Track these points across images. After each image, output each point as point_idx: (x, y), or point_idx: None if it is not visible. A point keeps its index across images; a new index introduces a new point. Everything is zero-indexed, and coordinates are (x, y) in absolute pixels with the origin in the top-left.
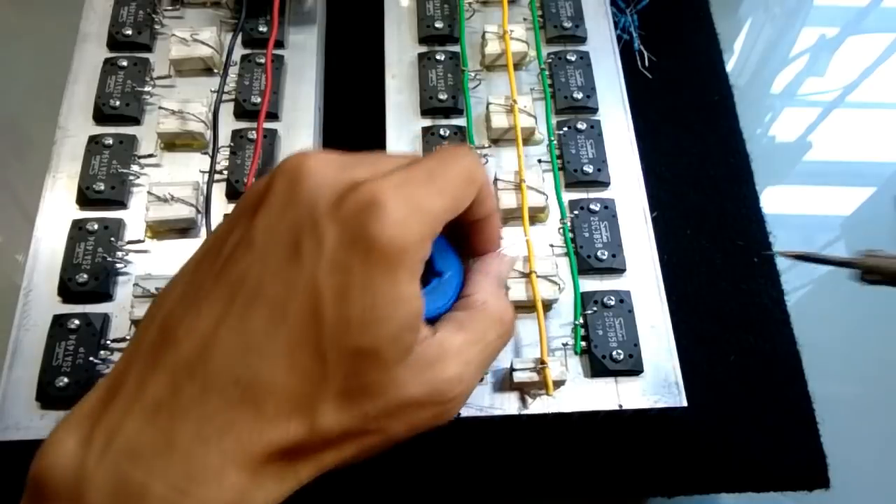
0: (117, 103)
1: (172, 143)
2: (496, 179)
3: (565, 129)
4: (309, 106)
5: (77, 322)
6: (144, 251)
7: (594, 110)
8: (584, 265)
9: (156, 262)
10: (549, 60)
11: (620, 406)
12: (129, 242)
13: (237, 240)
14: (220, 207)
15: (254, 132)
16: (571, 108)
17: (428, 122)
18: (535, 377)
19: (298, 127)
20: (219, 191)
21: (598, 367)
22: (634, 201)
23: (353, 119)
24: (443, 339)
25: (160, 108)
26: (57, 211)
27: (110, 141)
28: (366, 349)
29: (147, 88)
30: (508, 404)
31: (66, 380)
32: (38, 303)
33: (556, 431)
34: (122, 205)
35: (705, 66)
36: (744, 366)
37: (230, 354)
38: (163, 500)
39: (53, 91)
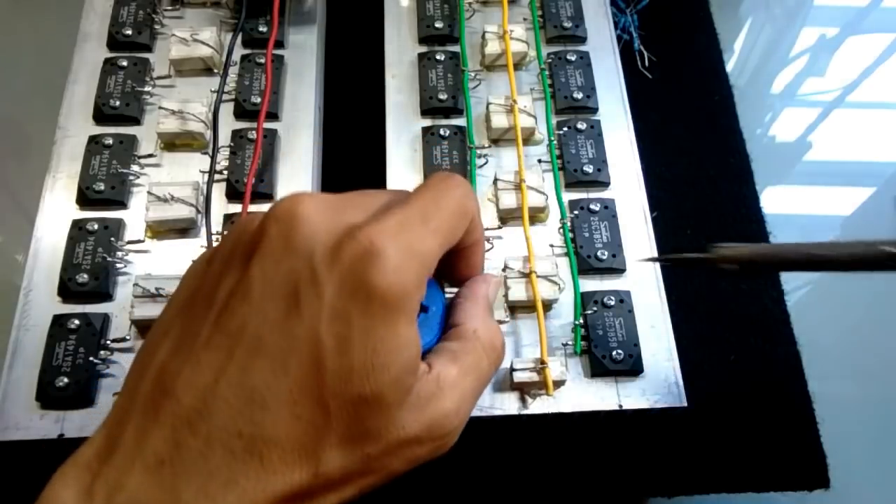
0: (117, 103)
1: (172, 143)
2: (496, 179)
3: (565, 129)
4: (309, 106)
5: (77, 322)
6: (144, 251)
7: (594, 110)
8: (584, 265)
9: (156, 262)
10: (549, 60)
11: (620, 406)
12: (129, 242)
13: (231, 287)
14: (220, 207)
15: (254, 132)
16: (571, 108)
17: (428, 122)
18: (535, 377)
19: (298, 127)
20: (219, 191)
21: (598, 367)
22: (634, 201)
23: (353, 119)
24: (438, 374)
25: (160, 108)
26: (57, 211)
27: (110, 141)
28: (368, 396)
29: (147, 88)
30: (508, 404)
31: (66, 380)
32: (38, 303)
33: (556, 431)
34: (122, 205)
35: (705, 66)
36: (744, 366)
37: (232, 408)
38: None
39: (53, 91)
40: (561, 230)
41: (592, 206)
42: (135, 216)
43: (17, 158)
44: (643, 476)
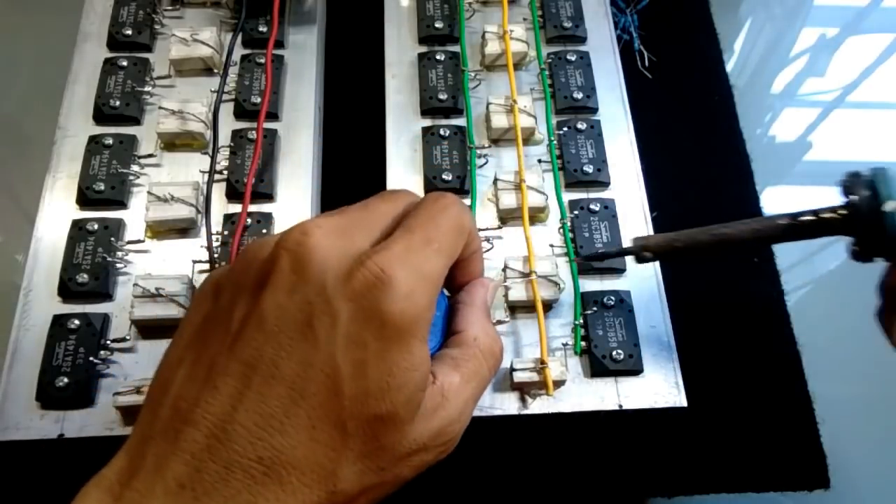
0: (117, 103)
1: (172, 143)
2: (496, 179)
3: (565, 129)
4: (309, 106)
5: (77, 322)
6: (144, 251)
7: (594, 110)
8: (585, 265)
9: (156, 262)
10: (549, 60)
11: (620, 406)
12: (129, 242)
13: (244, 316)
14: (220, 207)
15: (254, 132)
16: (571, 108)
17: (428, 122)
18: (535, 377)
19: (298, 127)
20: (219, 191)
21: (598, 367)
22: (634, 201)
23: (353, 119)
24: (443, 384)
25: (160, 108)
26: (57, 211)
27: (110, 141)
28: (383, 415)
29: (147, 88)
30: (508, 404)
31: (66, 380)
32: (38, 303)
33: (556, 431)
34: (122, 205)
35: (705, 66)
36: (744, 366)
37: (251, 434)
38: None
39: (53, 91)
40: (561, 230)
41: (592, 206)
42: (135, 216)
43: (17, 158)
44: (643, 476)
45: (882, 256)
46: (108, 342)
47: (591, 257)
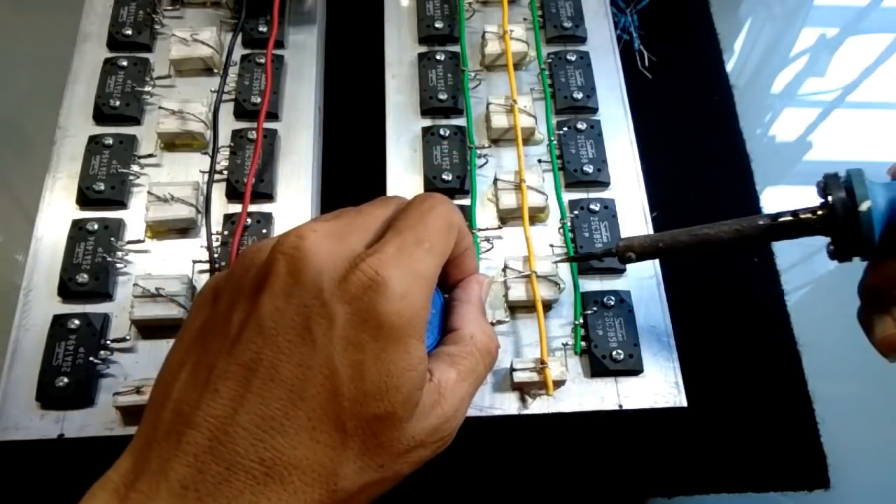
0: (117, 103)
1: (172, 143)
2: (496, 179)
3: (565, 129)
4: (309, 106)
5: (77, 322)
6: (144, 251)
7: (594, 110)
8: (585, 265)
9: (156, 262)
10: (549, 60)
11: (620, 406)
12: (129, 242)
13: (242, 320)
14: (220, 207)
15: (254, 132)
16: (571, 108)
17: (428, 122)
18: (535, 377)
19: (298, 127)
20: (219, 191)
21: (598, 367)
22: (634, 201)
23: (353, 119)
24: (439, 381)
25: (160, 108)
26: (57, 211)
27: (110, 141)
28: (382, 414)
29: (147, 88)
30: (508, 404)
31: (66, 380)
32: (38, 303)
33: (556, 431)
34: (122, 205)
35: (705, 66)
36: (744, 366)
37: (252, 436)
38: None
39: (53, 91)
40: (561, 230)
41: (592, 206)
42: (135, 216)
43: (18, 158)
44: (643, 476)
45: (859, 256)
46: (108, 342)
47: (575, 258)
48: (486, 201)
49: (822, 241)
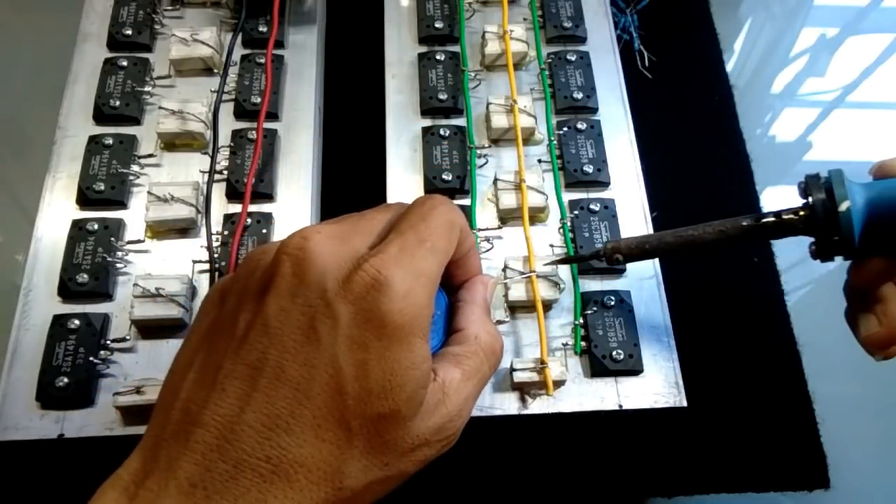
0: (117, 103)
1: (172, 143)
2: (496, 179)
3: (565, 129)
4: (309, 106)
5: (77, 322)
6: (144, 251)
7: (594, 110)
8: (585, 265)
9: (156, 262)
10: (549, 60)
11: (620, 406)
12: (129, 242)
13: (249, 321)
14: (220, 207)
15: (254, 132)
16: (571, 108)
17: (428, 122)
18: (535, 377)
19: (298, 127)
20: (219, 191)
21: (598, 367)
22: (634, 201)
23: (353, 119)
24: (444, 380)
25: (160, 108)
26: (57, 211)
27: (110, 141)
28: (386, 413)
29: (147, 88)
30: (508, 404)
31: (66, 380)
32: (38, 303)
33: (556, 431)
34: (122, 205)
35: (705, 66)
36: (744, 366)
37: (259, 434)
38: None
39: (53, 91)
40: (561, 230)
41: (592, 206)
42: (135, 216)
43: (17, 158)
44: (643, 476)
45: (840, 255)
46: (108, 342)
47: (563, 261)
48: (486, 201)
49: None
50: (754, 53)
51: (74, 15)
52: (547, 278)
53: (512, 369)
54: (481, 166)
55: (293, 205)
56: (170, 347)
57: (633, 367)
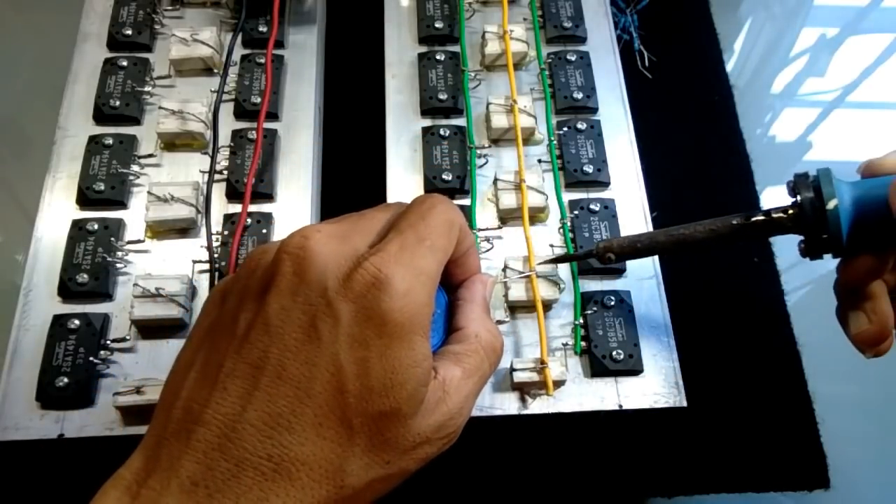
0: (117, 103)
1: (172, 143)
2: (496, 179)
3: (565, 129)
4: (309, 106)
5: (77, 322)
6: (144, 251)
7: (594, 110)
8: (584, 265)
9: (156, 262)
10: (549, 60)
11: (620, 406)
12: (129, 242)
13: (250, 320)
14: (220, 207)
15: (254, 132)
16: (571, 108)
17: (428, 122)
18: (535, 377)
19: (298, 127)
20: (219, 191)
21: (598, 367)
22: (634, 201)
23: (353, 119)
24: (444, 379)
25: (160, 108)
26: (57, 211)
27: (110, 141)
28: (388, 411)
29: (147, 88)
30: (508, 404)
31: (66, 380)
32: (38, 303)
33: (556, 431)
34: (122, 205)
35: (705, 66)
36: (744, 366)
37: (260, 433)
38: None
39: (53, 91)
40: (561, 230)
41: (592, 206)
42: (135, 216)
43: (18, 158)
44: (643, 476)
45: (828, 253)
46: (108, 342)
47: (554, 260)
48: (486, 201)
49: None
50: (754, 53)
51: (74, 15)
52: (547, 278)
53: (512, 369)
54: (481, 166)
55: (293, 205)
56: (170, 347)
57: (633, 367)
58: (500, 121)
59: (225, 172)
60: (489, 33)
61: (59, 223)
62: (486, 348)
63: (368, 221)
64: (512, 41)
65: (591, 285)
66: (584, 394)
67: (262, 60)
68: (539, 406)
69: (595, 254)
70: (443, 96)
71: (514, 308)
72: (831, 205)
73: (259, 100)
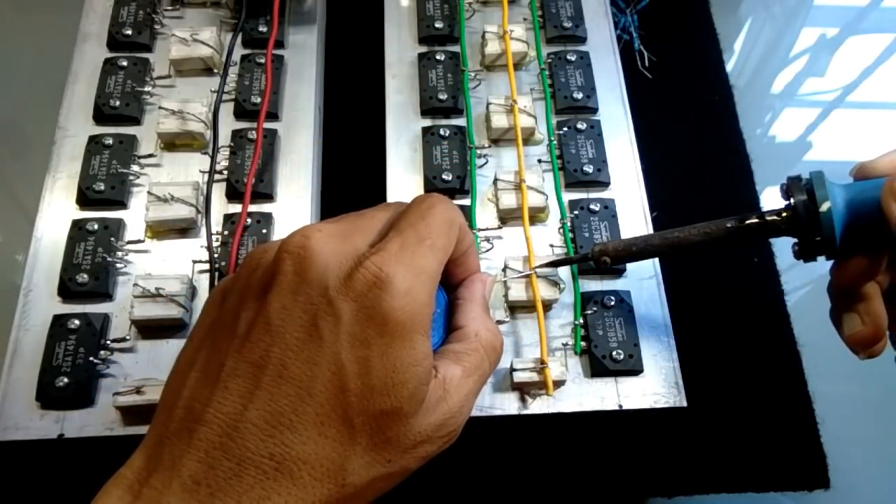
0: (117, 103)
1: (172, 143)
2: (496, 179)
3: (565, 129)
4: (309, 106)
5: (77, 322)
6: (144, 251)
7: (594, 110)
8: (584, 264)
9: (156, 262)
10: (549, 60)
11: (620, 406)
12: (129, 242)
13: (251, 319)
14: (220, 207)
15: (254, 132)
16: (571, 108)
17: (428, 122)
18: (535, 377)
19: (298, 127)
20: (219, 191)
21: (598, 367)
22: (634, 201)
23: (353, 119)
24: (444, 377)
25: (160, 108)
26: (57, 211)
27: (110, 141)
28: (389, 410)
29: (147, 88)
30: (508, 404)
31: (66, 380)
32: (38, 303)
33: (556, 431)
34: (122, 205)
35: (705, 66)
36: (744, 366)
37: (262, 432)
38: None
39: (53, 91)
40: (561, 230)
41: (592, 206)
42: (135, 216)
43: (18, 158)
44: (643, 476)
45: (822, 255)
46: (108, 342)
47: (550, 264)
48: (486, 201)
49: None
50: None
51: (74, 15)
52: (547, 278)
53: (512, 369)
54: (481, 166)
55: (293, 205)
56: (170, 347)
57: (633, 367)
58: (500, 121)
59: (225, 172)
60: (489, 33)
61: (59, 223)
62: (487, 347)
63: (369, 221)
64: (512, 41)
65: (591, 285)
66: (584, 394)
67: (262, 60)
68: (539, 406)
69: (590, 257)
70: (443, 96)
71: (514, 308)
72: (824, 207)
73: (259, 100)
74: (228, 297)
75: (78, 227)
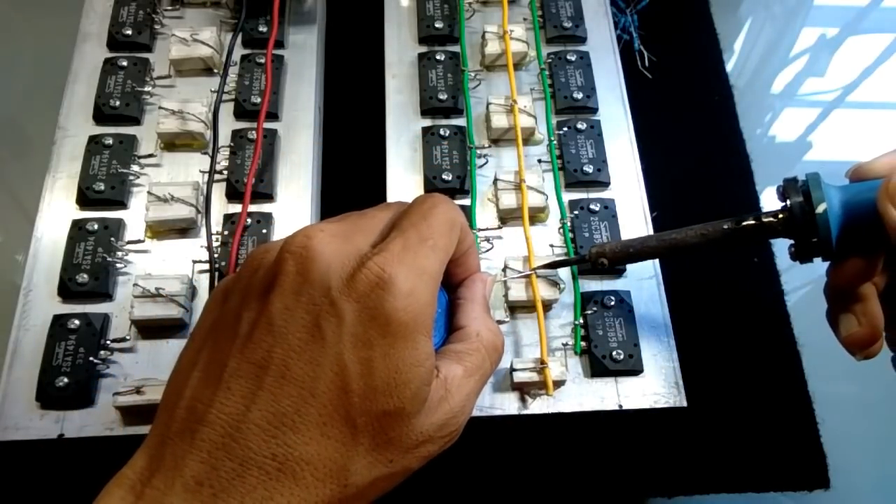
0: (117, 103)
1: (172, 143)
2: (496, 179)
3: (565, 129)
4: (309, 106)
5: (77, 322)
6: (144, 251)
7: (594, 110)
8: (585, 265)
9: (156, 262)
10: (549, 60)
11: (620, 406)
12: (129, 242)
13: (253, 319)
14: (220, 207)
15: (254, 132)
16: (571, 108)
17: (428, 122)
18: (535, 377)
19: (298, 127)
20: (219, 191)
21: (598, 367)
22: (634, 201)
23: (353, 119)
24: (446, 377)
25: (160, 108)
26: (57, 211)
27: (110, 141)
28: (391, 410)
29: (147, 88)
30: (508, 404)
31: (66, 380)
32: (38, 303)
33: (556, 431)
34: (122, 205)
35: (705, 66)
36: (744, 366)
37: (265, 432)
38: None
39: (53, 91)
40: (561, 230)
41: (592, 206)
42: (135, 216)
43: (17, 158)
44: (643, 476)
45: (818, 257)
46: (108, 342)
47: (548, 265)
48: (486, 201)
49: None
50: (754, 53)
51: (74, 15)
52: (547, 278)
53: (512, 369)
54: (481, 166)
55: (293, 205)
56: (170, 347)
57: (633, 367)
58: (500, 121)
59: (225, 172)
60: (489, 33)
61: (59, 223)
62: (488, 347)
63: (370, 221)
64: (512, 41)
65: (591, 285)
66: (584, 394)
67: (262, 60)
68: (539, 406)
69: (588, 259)
70: (443, 96)
71: (514, 308)
72: (820, 209)
73: (259, 100)
74: (230, 297)
75: (78, 227)
